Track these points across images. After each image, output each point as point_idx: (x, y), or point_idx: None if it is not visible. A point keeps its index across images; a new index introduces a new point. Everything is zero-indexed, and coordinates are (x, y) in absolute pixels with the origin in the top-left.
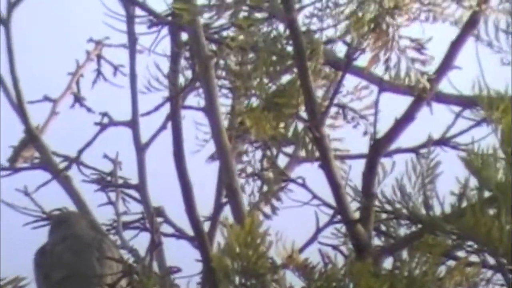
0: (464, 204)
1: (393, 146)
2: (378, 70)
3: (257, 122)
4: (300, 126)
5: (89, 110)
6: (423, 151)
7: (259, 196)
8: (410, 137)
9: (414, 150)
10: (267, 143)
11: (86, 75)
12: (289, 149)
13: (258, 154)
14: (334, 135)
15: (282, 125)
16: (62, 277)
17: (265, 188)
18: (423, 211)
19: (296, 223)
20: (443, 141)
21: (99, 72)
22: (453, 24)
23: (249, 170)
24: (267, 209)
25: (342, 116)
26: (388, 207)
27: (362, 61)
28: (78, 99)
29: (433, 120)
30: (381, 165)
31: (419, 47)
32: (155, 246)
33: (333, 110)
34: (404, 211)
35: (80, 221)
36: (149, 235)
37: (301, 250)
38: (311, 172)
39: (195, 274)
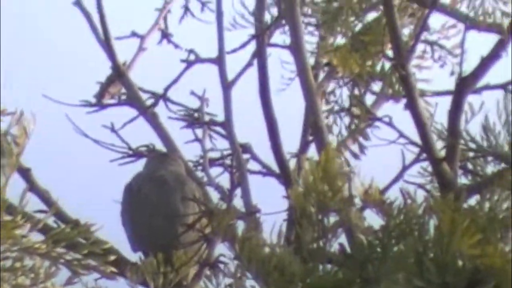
0: None
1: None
2: (465, 8)
3: (344, 61)
4: (388, 64)
5: (176, 46)
6: None
7: (347, 134)
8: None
9: (503, 86)
10: (354, 80)
11: (174, 11)
12: (376, 87)
13: (345, 92)
14: (421, 76)
15: (369, 63)
16: (148, 217)
17: (352, 126)
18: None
19: (382, 162)
20: None
21: (186, 8)
22: None
23: (336, 108)
24: (355, 148)
25: (430, 55)
26: (473, 145)
27: None
28: (166, 35)
29: None
30: (469, 104)
31: None
32: (234, 187)
33: (420, 48)
34: (489, 149)
35: (169, 163)
36: (236, 172)
37: (387, 188)
38: (398, 111)
39: (281, 211)
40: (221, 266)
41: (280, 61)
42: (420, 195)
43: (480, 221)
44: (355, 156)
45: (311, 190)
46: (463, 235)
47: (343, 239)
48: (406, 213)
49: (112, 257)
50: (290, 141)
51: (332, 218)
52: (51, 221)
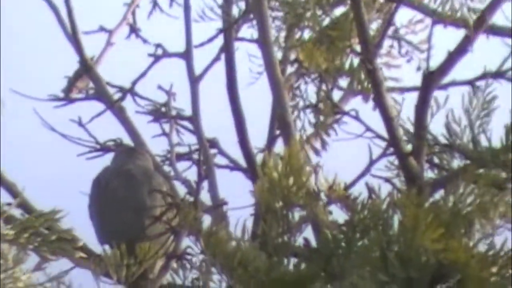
0: None
1: (448, 79)
2: (433, 3)
3: (310, 56)
4: (356, 60)
5: (144, 41)
6: (479, 84)
7: (313, 129)
8: (466, 70)
9: (470, 82)
10: (321, 76)
11: (142, 6)
12: (344, 83)
13: (311, 88)
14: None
15: (337, 58)
16: (115, 211)
17: (318, 122)
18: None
19: (350, 156)
20: (499, 74)
21: (155, 3)
22: None
23: (302, 104)
24: (317, 144)
25: (397, 50)
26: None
27: None
28: (134, 29)
29: (489, 53)
30: (434, 98)
31: None
32: (202, 179)
33: (387, 43)
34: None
35: (136, 157)
36: (203, 166)
37: (354, 182)
38: (364, 106)
39: (248, 205)
40: (189, 258)
41: (248, 55)
42: (388, 189)
43: (443, 216)
44: (317, 152)
45: (275, 185)
46: (426, 230)
47: (310, 234)
48: (370, 208)
49: (80, 243)
50: (258, 136)
51: (299, 213)
52: (18, 213)
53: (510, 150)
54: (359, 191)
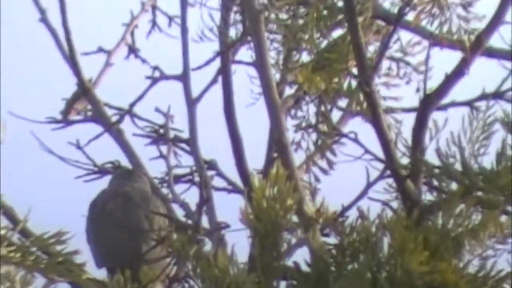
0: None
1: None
2: (430, 26)
3: (308, 78)
4: (354, 82)
5: (143, 61)
6: (478, 104)
7: (314, 150)
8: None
9: (469, 103)
10: (320, 97)
11: (141, 26)
12: (343, 103)
13: (311, 108)
14: (389, 94)
15: (335, 80)
16: (112, 233)
17: (319, 143)
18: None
19: (348, 178)
20: (498, 95)
21: (154, 23)
22: None
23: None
24: (323, 164)
25: (395, 72)
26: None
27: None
28: (133, 50)
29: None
30: (433, 121)
31: (465, 4)
32: (203, 202)
33: (386, 65)
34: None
35: (134, 179)
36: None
37: (351, 205)
38: (363, 127)
39: (245, 228)
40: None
41: (248, 76)
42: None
43: (433, 237)
44: (324, 171)
45: (262, 210)
46: (413, 253)
47: (301, 257)
48: (359, 231)
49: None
50: (257, 158)
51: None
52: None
53: (501, 175)
54: (356, 214)
